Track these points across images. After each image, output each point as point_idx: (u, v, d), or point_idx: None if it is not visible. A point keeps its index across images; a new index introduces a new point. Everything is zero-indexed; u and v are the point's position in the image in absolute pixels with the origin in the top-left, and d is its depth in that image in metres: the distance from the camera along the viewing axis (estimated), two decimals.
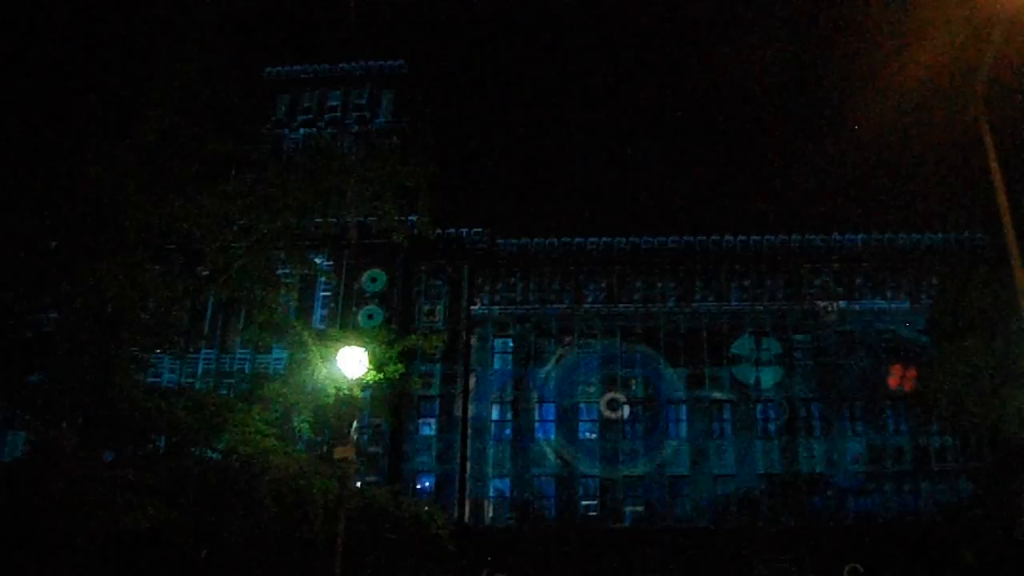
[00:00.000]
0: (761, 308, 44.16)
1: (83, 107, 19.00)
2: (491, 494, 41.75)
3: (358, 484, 26.14)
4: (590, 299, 44.84)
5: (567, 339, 44.08)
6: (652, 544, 37.19)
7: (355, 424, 16.63)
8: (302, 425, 21.60)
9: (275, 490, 19.65)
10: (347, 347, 16.61)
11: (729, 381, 43.15)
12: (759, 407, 42.87)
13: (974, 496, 38.90)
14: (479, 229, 45.18)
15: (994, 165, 14.37)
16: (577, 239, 45.90)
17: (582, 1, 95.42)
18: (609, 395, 42.82)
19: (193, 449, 21.63)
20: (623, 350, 43.72)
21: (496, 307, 44.66)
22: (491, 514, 41.41)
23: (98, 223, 17.45)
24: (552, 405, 43.06)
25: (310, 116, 46.68)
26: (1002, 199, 14.29)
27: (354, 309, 42.08)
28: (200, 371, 40.41)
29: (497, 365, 44.08)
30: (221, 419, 20.42)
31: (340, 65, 47.81)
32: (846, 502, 40.96)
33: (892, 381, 41.93)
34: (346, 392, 16.56)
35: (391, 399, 29.45)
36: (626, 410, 42.84)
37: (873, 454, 41.63)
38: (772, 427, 42.45)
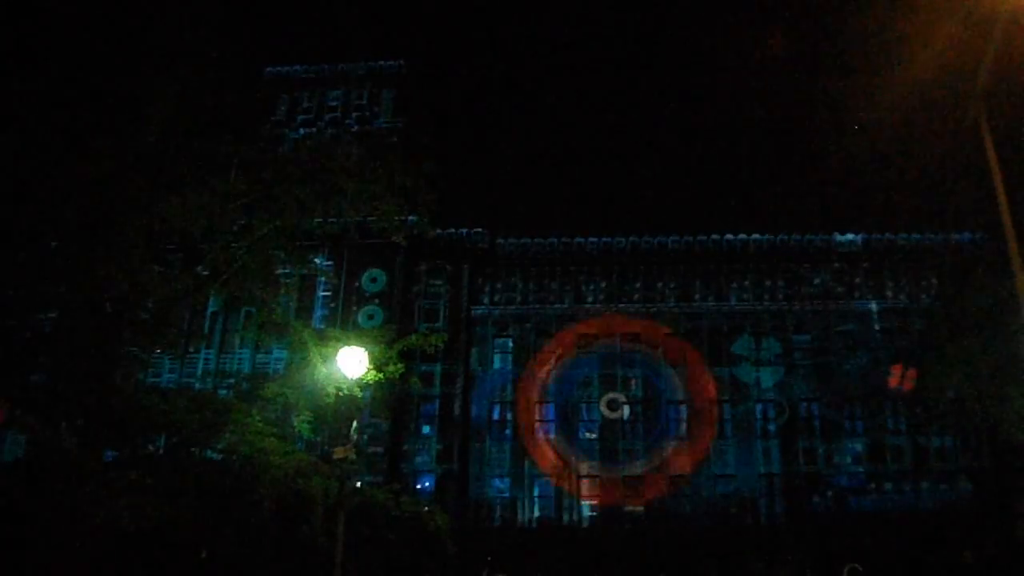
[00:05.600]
0: (761, 308, 44.17)
1: (83, 107, 18.99)
2: (491, 494, 41.75)
3: (358, 484, 26.14)
4: (590, 299, 44.85)
5: (567, 339, 44.10)
6: (652, 544, 37.18)
7: (355, 424, 16.59)
8: (302, 425, 21.55)
9: (275, 490, 19.63)
10: (347, 347, 16.59)
11: (729, 381, 43.16)
12: (759, 407, 42.88)
13: (974, 496, 38.92)
14: (479, 229, 45.19)
15: (994, 165, 14.37)
16: (577, 239, 45.90)
17: (582, 1, 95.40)
18: (609, 395, 42.84)
19: (193, 449, 21.60)
20: (623, 350, 43.73)
21: (496, 307, 44.67)
22: (491, 514, 41.40)
23: (98, 223, 17.42)
24: (552, 405, 43.07)
25: (310, 116, 46.71)
26: (1002, 199, 14.29)
27: (354, 309, 42.10)
28: (200, 371, 40.43)
29: (497, 365, 44.10)
30: (221, 419, 20.39)
31: (340, 65, 47.86)
32: (846, 502, 40.96)
33: (892, 381, 41.96)
34: (346, 392, 16.54)
35: (391, 399, 29.43)
36: (626, 410, 42.86)
37: (873, 454, 41.64)
38: (772, 427, 42.46)
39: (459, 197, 40.68)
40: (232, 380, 29.20)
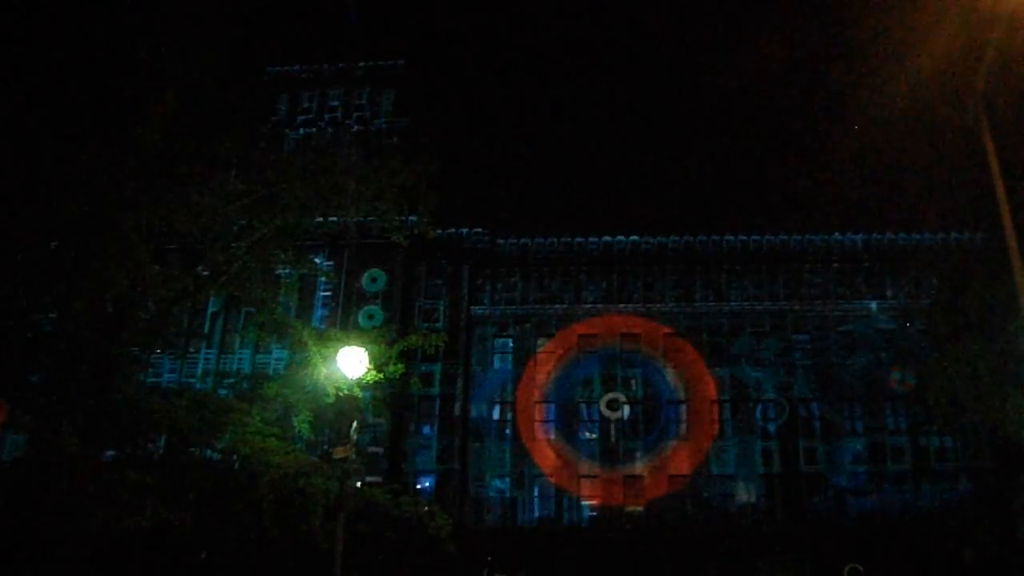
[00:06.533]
0: (761, 308, 44.17)
1: (84, 106, 19.00)
2: (491, 494, 41.75)
3: (358, 484, 26.11)
4: (590, 299, 44.85)
5: (567, 339, 44.09)
6: (652, 544, 37.17)
7: (355, 424, 16.59)
8: (302, 425, 21.55)
9: (275, 490, 19.63)
10: (347, 347, 16.57)
11: (729, 381, 43.16)
12: (759, 407, 42.88)
13: (974, 496, 38.90)
14: (479, 229, 45.17)
15: (994, 165, 14.37)
16: (577, 239, 45.91)
17: (583, 1, 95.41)
18: (609, 395, 42.83)
19: (193, 449, 21.60)
20: (623, 350, 43.73)
21: (496, 307, 44.67)
22: (491, 514, 41.41)
23: (98, 223, 17.43)
24: (552, 405, 43.07)
25: (310, 116, 46.71)
26: (1002, 199, 14.29)
27: (354, 309, 42.08)
28: (200, 371, 40.41)
29: (497, 365, 44.10)
30: (221, 419, 20.39)
31: (340, 65, 47.81)
32: (846, 502, 40.97)
33: (892, 381, 41.98)
34: (346, 392, 16.53)
35: (391, 399, 29.45)
36: (626, 410, 42.85)
37: (873, 454, 41.64)
38: (772, 427, 42.46)
39: (459, 197, 40.65)
40: (232, 380, 29.16)
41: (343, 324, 39.90)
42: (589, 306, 44.58)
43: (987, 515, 35.50)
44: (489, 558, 35.60)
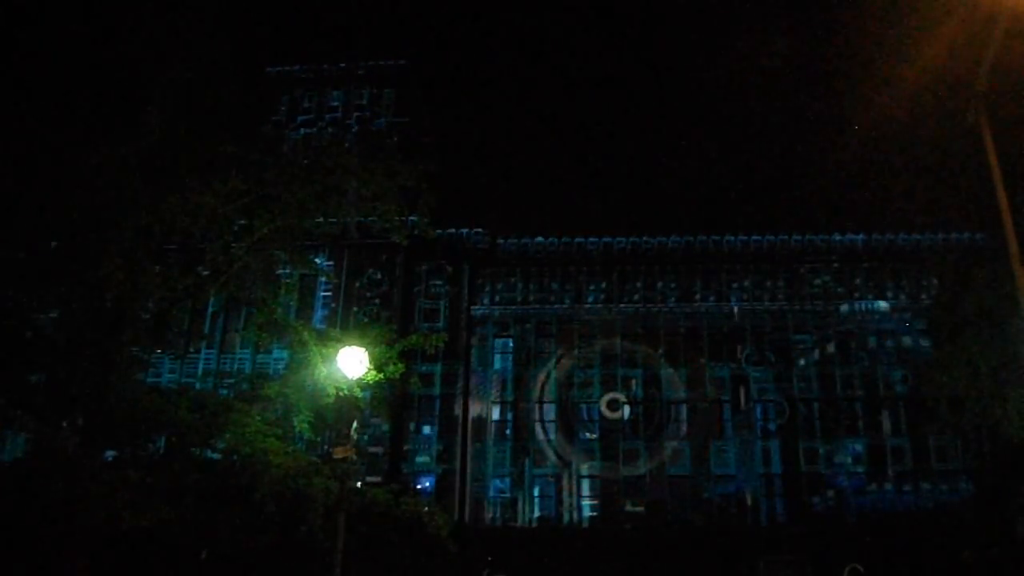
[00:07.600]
0: (761, 308, 44.18)
1: (83, 106, 19.01)
2: (491, 494, 41.74)
3: (358, 484, 26.10)
4: (590, 299, 44.86)
5: (567, 339, 44.10)
6: (652, 544, 37.19)
7: (355, 424, 16.59)
8: (302, 425, 21.53)
9: (275, 490, 19.62)
10: (347, 347, 16.59)
11: (729, 381, 43.16)
12: (759, 407, 42.89)
13: (974, 496, 38.91)
14: (479, 229, 45.18)
15: (994, 165, 14.37)
16: (577, 239, 45.92)
17: (584, 1, 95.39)
18: (609, 395, 42.83)
19: (193, 449, 21.60)
20: (623, 350, 43.73)
21: (496, 307, 44.67)
22: (491, 514, 41.40)
23: (98, 223, 17.43)
24: (552, 405, 43.08)
25: (310, 116, 46.71)
26: (1002, 199, 14.29)
27: (354, 309, 42.08)
28: (200, 371, 40.41)
29: (497, 365, 44.09)
30: (221, 419, 20.38)
31: (340, 65, 47.85)
32: (846, 502, 40.97)
33: (892, 381, 42.00)
34: (346, 392, 16.53)
35: (391, 399, 29.42)
36: (626, 410, 42.84)
37: (873, 454, 41.64)
38: (772, 427, 42.46)
39: (459, 197, 40.66)
40: (232, 380, 29.13)
41: (343, 324, 39.89)
42: (589, 306, 44.58)
43: (987, 515, 35.53)
44: (489, 558, 35.64)
